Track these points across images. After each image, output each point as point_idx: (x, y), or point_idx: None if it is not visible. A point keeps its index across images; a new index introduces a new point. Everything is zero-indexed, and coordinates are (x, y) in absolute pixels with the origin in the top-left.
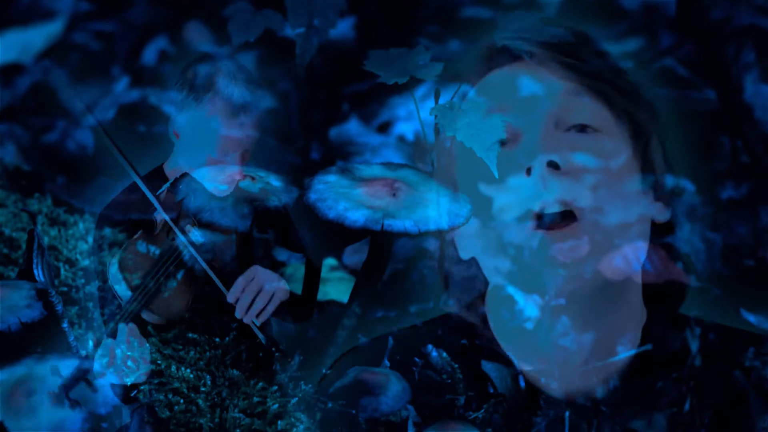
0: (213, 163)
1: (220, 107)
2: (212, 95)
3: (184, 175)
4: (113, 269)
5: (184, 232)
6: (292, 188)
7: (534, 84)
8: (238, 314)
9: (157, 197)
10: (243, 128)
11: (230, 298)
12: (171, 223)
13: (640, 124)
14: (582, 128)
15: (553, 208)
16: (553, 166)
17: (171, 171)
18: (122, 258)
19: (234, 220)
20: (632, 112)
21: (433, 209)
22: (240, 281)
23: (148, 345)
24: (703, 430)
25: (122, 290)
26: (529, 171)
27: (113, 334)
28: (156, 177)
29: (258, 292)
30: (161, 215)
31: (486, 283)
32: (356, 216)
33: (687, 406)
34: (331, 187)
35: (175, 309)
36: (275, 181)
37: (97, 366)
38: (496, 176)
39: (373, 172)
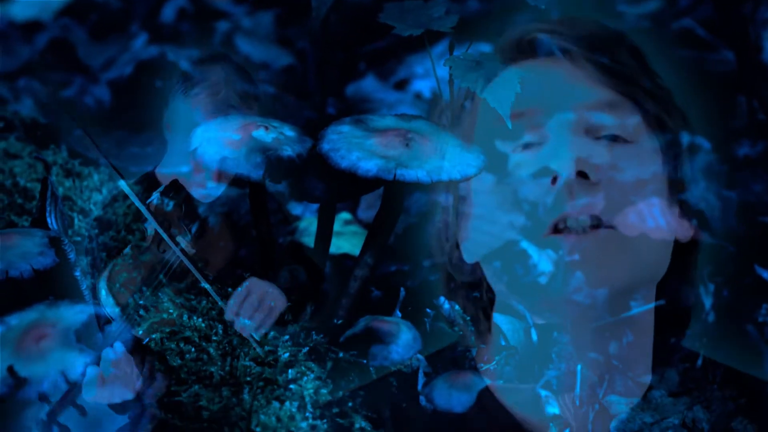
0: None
1: (205, 104)
2: (199, 90)
3: (174, 182)
4: (102, 291)
5: (176, 242)
6: (305, 138)
7: (567, 86)
8: (237, 328)
9: (147, 206)
10: None
11: (228, 315)
12: (162, 233)
13: (672, 133)
14: (614, 138)
15: (581, 219)
16: (582, 176)
17: (163, 176)
18: (110, 277)
19: (247, 169)
20: (665, 120)
21: (446, 160)
22: (236, 297)
23: (161, 294)
24: (716, 385)
25: (111, 309)
26: (555, 180)
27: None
28: (147, 182)
29: (257, 307)
30: (152, 225)
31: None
32: (369, 165)
33: (699, 362)
34: (344, 137)
35: (170, 320)
36: (289, 131)
37: (87, 395)
38: (509, 127)
39: (386, 123)
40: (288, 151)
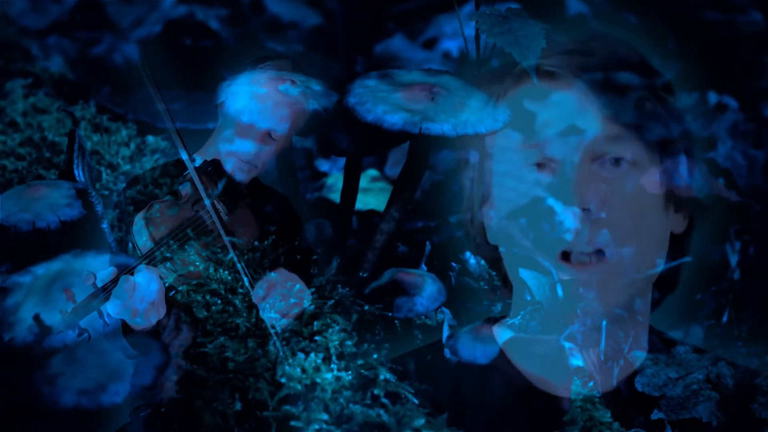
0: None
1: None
2: (268, 64)
3: (215, 160)
4: (138, 225)
5: (211, 197)
6: (331, 92)
7: (577, 117)
8: (262, 314)
9: (193, 163)
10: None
11: (256, 299)
12: (200, 188)
13: (672, 146)
14: (616, 161)
15: (585, 249)
16: (586, 210)
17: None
18: (148, 214)
19: (273, 122)
20: (666, 138)
21: (472, 114)
22: (263, 284)
23: (188, 247)
24: (740, 342)
25: (143, 243)
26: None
27: (130, 272)
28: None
29: (282, 298)
30: (185, 189)
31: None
32: (395, 119)
33: (725, 318)
34: (370, 91)
35: (193, 271)
36: (315, 86)
37: (112, 306)
38: (536, 82)
39: (412, 77)
40: (314, 105)
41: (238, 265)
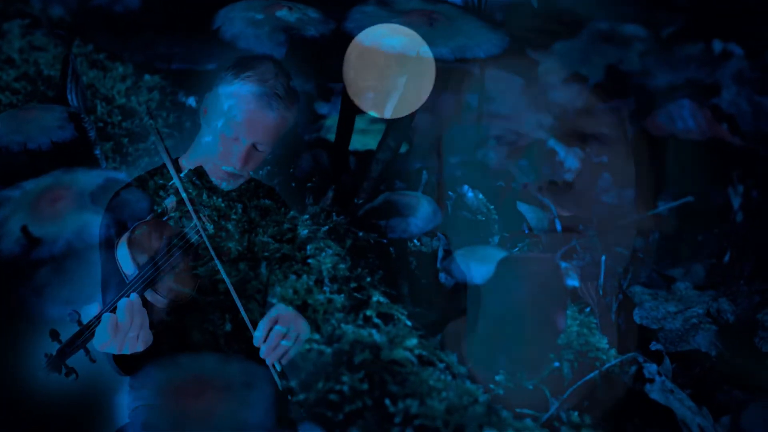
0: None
1: (251, 87)
2: (251, 74)
3: (198, 167)
4: (122, 249)
5: (198, 216)
6: (329, 20)
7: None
8: (263, 355)
9: (180, 178)
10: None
11: (257, 341)
12: (188, 204)
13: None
14: (596, 137)
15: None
16: (553, 183)
17: (189, 164)
18: (131, 237)
19: (270, 48)
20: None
21: (470, 38)
22: (265, 324)
23: (183, 176)
24: (743, 281)
25: (129, 268)
26: (525, 186)
27: (113, 309)
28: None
29: (283, 336)
30: (172, 202)
31: None
32: (392, 42)
33: (726, 258)
34: (368, 16)
35: (182, 292)
36: (313, 13)
37: (98, 342)
38: (535, 6)
39: (411, 4)
40: (311, 31)
41: (230, 288)
